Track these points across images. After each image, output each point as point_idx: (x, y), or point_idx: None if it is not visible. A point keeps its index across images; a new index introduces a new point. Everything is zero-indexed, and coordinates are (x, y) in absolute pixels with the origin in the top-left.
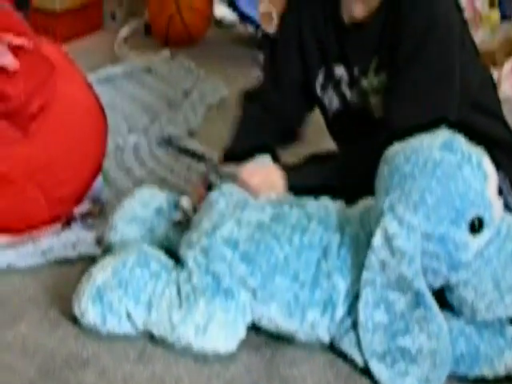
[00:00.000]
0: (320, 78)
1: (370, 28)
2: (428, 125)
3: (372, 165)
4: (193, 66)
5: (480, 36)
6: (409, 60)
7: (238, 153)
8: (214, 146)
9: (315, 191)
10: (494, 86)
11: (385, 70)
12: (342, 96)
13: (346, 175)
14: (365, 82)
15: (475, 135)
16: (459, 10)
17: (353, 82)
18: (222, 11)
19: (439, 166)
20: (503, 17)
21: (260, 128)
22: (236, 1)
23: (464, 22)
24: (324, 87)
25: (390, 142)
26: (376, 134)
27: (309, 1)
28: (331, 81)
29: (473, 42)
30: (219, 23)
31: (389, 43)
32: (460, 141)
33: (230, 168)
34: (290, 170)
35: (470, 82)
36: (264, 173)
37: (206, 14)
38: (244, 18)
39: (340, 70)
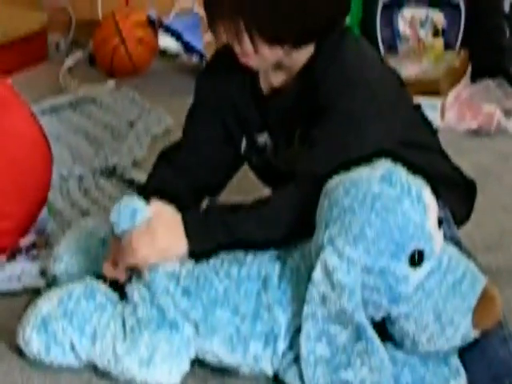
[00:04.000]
0: (243, 145)
1: (288, 94)
2: (365, 158)
3: (292, 214)
4: (137, 96)
5: (424, 65)
6: (322, 113)
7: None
8: None
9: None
10: (424, 120)
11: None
12: (266, 162)
13: (268, 226)
14: (291, 151)
15: (412, 167)
16: (378, 57)
17: (278, 151)
18: (166, 41)
19: (378, 200)
20: (447, 46)
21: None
22: (180, 31)
23: (383, 69)
24: (248, 154)
25: (304, 186)
26: (296, 182)
27: (226, 68)
28: (254, 149)
29: (399, 81)
30: (164, 53)
31: (308, 110)
32: (399, 173)
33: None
34: (194, 231)
35: (396, 124)
36: (162, 237)
37: (151, 45)
38: (188, 48)
39: (263, 138)
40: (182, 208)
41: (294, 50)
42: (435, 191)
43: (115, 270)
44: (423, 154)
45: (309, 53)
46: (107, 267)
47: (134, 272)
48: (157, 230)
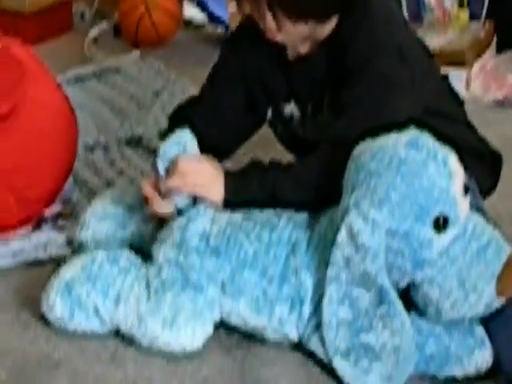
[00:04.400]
0: (269, 114)
1: (316, 60)
2: (393, 126)
3: (323, 177)
4: (162, 67)
5: (449, 36)
6: (353, 76)
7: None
8: None
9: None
10: (451, 91)
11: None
12: (293, 133)
13: (302, 187)
14: (319, 119)
15: (440, 137)
16: (405, 24)
17: (305, 120)
18: (191, 12)
19: (404, 164)
20: (472, 16)
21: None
22: (205, 1)
23: (410, 35)
24: (272, 123)
25: (335, 151)
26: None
27: (251, 39)
28: (280, 119)
29: (426, 50)
30: (189, 24)
31: (336, 77)
32: (426, 139)
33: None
34: (232, 182)
35: (425, 92)
36: (206, 173)
37: (176, 15)
38: (213, 18)
39: (290, 109)
40: None
41: (319, 25)
42: (461, 161)
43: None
44: (450, 124)
45: (334, 22)
46: (148, 188)
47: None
48: (204, 163)
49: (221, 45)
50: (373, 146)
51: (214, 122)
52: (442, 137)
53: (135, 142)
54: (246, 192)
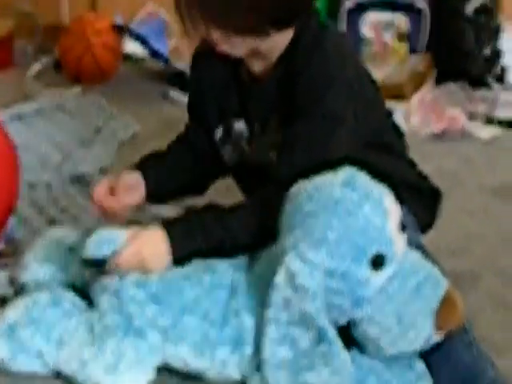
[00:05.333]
0: (218, 134)
1: (268, 82)
2: (328, 165)
3: (264, 218)
4: (104, 102)
5: (388, 69)
6: (300, 114)
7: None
8: None
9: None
10: (393, 125)
11: (282, 127)
12: (240, 151)
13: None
14: (265, 138)
15: (377, 174)
16: (355, 57)
17: (253, 138)
18: (131, 46)
19: (340, 204)
20: (411, 50)
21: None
22: (145, 36)
23: (361, 68)
24: (223, 142)
25: (280, 191)
26: (266, 187)
27: (209, 60)
28: (230, 137)
29: (373, 84)
30: (129, 58)
31: (286, 99)
32: (361, 178)
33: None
34: (176, 241)
35: (367, 127)
36: (146, 251)
37: (117, 50)
38: (153, 53)
39: (240, 126)
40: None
41: (265, 38)
42: (400, 197)
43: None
44: (390, 158)
45: (287, 40)
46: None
47: (102, 279)
48: (142, 251)
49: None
50: (309, 187)
51: (188, 147)
52: (378, 173)
53: (78, 180)
54: (192, 245)
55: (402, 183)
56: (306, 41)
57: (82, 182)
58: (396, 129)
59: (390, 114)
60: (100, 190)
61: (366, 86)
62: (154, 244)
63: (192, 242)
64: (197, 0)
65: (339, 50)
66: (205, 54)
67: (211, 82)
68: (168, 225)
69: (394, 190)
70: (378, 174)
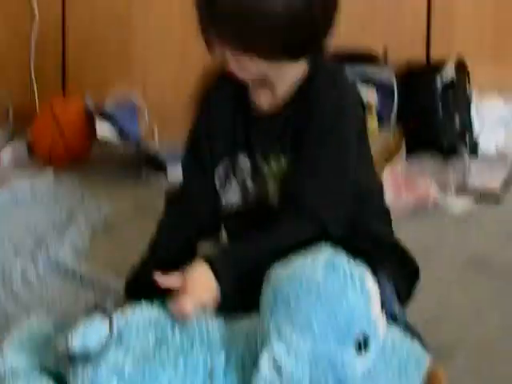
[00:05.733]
0: (220, 172)
1: (278, 119)
2: (310, 240)
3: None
4: (77, 186)
5: None
6: (315, 143)
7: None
8: (100, 267)
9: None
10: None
11: (285, 156)
12: (243, 188)
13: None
14: (265, 169)
15: (356, 251)
16: (363, 108)
17: (255, 171)
18: (103, 129)
19: (323, 288)
20: (381, 124)
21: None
22: (117, 119)
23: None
24: (224, 182)
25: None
26: (284, 213)
27: (217, 94)
28: (234, 172)
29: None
30: (101, 141)
31: (293, 129)
32: (342, 259)
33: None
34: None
35: (365, 176)
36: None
37: (88, 133)
38: (125, 135)
39: (244, 160)
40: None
41: (275, 63)
42: (381, 263)
43: None
44: (379, 220)
45: (297, 74)
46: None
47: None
48: (201, 297)
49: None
50: (289, 269)
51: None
52: (357, 251)
53: (52, 266)
54: (236, 275)
55: (386, 248)
56: (322, 80)
57: (56, 268)
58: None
59: (381, 184)
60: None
61: (365, 132)
62: (206, 285)
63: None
64: (212, 16)
65: (354, 90)
66: (212, 90)
67: (219, 116)
68: (210, 261)
69: (374, 265)
70: (357, 251)
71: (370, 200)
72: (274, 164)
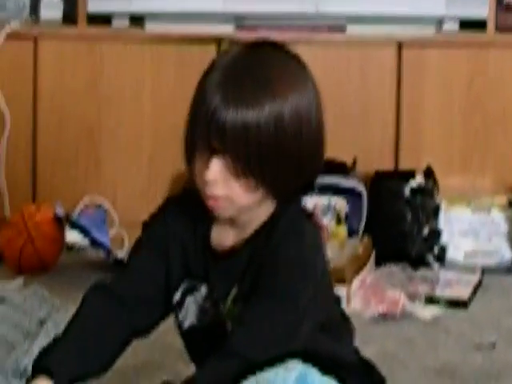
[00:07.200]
0: (179, 293)
1: (238, 257)
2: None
3: None
4: (47, 293)
5: (328, 253)
6: (269, 294)
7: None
8: None
9: None
10: (342, 312)
11: (243, 301)
12: (201, 311)
13: None
14: (222, 309)
15: (325, 362)
16: (324, 247)
17: (212, 303)
18: (73, 237)
19: None
20: (350, 232)
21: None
22: (87, 227)
23: (325, 257)
24: (182, 300)
25: (238, 368)
26: (222, 357)
27: (179, 218)
28: (192, 293)
29: (328, 271)
30: (71, 248)
31: (251, 275)
32: (313, 374)
33: None
34: None
35: (322, 312)
36: None
37: (58, 241)
38: (95, 243)
39: (202, 287)
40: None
41: (263, 204)
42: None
43: None
44: (336, 343)
45: (266, 214)
46: None
47: None
48: None
49: (146, 221)
50: (261, 382)
51: (134, 291)
52: (327, 364)
53: (21, 375)
54: None
55: (346, 367)
56: (286, 223)
57: (25, 376)
58: (343, 315)
59: (338, 300)
60: None
61: (326, 275)
62: None
63: None
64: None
65: (315, 240)
66: (178, 206)
67: (180, 235)
68: None
69: (339, 375)
70: (325, 365)
71: (329, 328)
72: (231, 307)
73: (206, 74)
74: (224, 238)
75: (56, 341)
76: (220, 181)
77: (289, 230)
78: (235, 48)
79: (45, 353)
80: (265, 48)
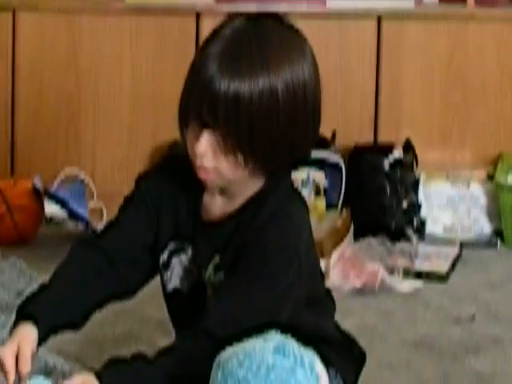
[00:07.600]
0: (166, 253)
1: (223, 227)
2: (258, 328)
3: (190, 369)
4: (25, 266)
5: None
6: (248, 274)
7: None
8: (46, 348)
9: None
10: (326, 290)
11: (224, 271)
12: (184, 271)
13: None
14: (204, 275)
15: (305, 336)
16: (310, 226)
17: (196, 267)
18: (51, 209)
19: (272, 370)
20: (329, 205)
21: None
22: (65, 199)
23: (311, 237)
24: (168, 261)
25: (210, 344)
26: (196, 337)
27: (175, 179)
28: (178, 254)
29: (315, 249)
30: (50, 221)
31: (234, 247)
32: (292, 344)
33: None
34: None
35: (307, 289)
36: None
37: (37, 213)
38: (74, 215)
39: (189, 248)
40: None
41: (253, 178)
42: (328, 359)
43: None
44: (319, 318)
45: (255, 188)
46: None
47: None
48: None
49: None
50: (239, 352)
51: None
52: (305, 338)
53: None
54: None
55: (328, 342)
56: (275, 201)
57: None
58: (327, 290)
59: (323, 275)
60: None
61: (310, 254)
62: None
63: None
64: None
65: (301, 220)
66: (177, 168)
67: (172, 199)
68: (101, 373)
69: (321, 351)
70: (306, 338)
71: (313, 303)
72: (212, 275)
73: (206, 42)
74: (213, 206)
75: (41, 289)
76: (209, 154)
77: (277, 211)
78: (237, 19)
79: (30, 300)
80: (266, 21)
